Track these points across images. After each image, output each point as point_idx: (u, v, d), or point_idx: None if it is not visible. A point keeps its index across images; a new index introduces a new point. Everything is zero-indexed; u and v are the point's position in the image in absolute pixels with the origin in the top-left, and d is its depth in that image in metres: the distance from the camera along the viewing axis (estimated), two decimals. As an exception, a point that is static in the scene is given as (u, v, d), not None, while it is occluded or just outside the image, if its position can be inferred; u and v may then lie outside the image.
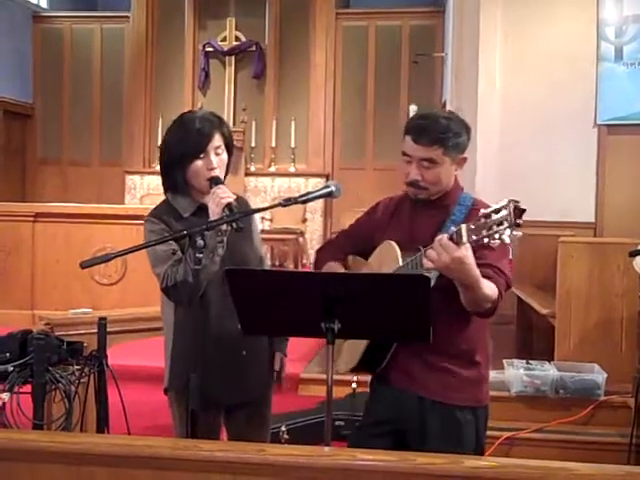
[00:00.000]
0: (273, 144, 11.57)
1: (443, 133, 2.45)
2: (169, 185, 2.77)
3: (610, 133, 8.60)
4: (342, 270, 2.67)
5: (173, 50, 11.86)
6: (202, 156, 2.65)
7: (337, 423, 4.35)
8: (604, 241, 6.60)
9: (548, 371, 4.63)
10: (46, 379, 2.54)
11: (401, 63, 11.50)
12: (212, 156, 2.66)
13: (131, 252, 2.33)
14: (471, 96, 8.58)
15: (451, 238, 2.18)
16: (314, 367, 5.77)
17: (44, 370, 2.54)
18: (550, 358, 5.12)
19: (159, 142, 11.65)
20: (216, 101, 11.58)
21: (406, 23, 11.58)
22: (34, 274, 7.47)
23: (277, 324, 2.35)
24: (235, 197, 2.62)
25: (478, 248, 2.33)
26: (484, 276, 2.32)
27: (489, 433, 4.35)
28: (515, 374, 4.63)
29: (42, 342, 2.58)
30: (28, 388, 2.61)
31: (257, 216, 2.95)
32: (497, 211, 2.08)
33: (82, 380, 2.76)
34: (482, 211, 2.12)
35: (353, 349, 2.58)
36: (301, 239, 10.96)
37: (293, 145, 11.51)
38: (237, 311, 2.28)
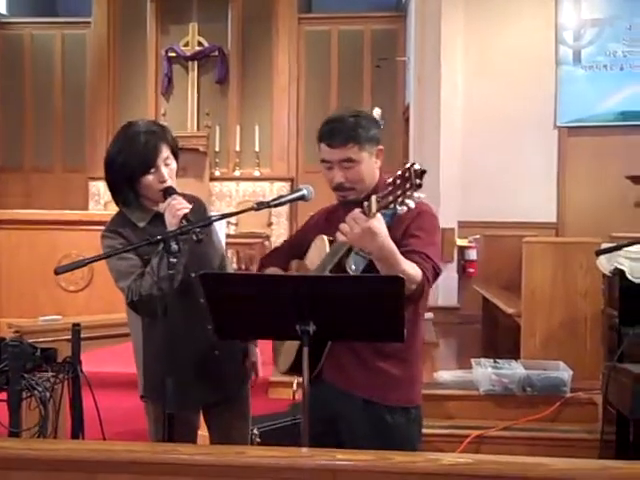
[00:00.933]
0: (237, 148, 11.55)
1: (353, 130, 2.51)
2: (121, 200, 2.75)
3: (570, 135, 8.75)
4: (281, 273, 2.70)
5: (135, 55, 11.79)
6: (152, 171, 2.65)
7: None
8: (566, 241, 6.72)
9: (515, 369, 4.68)
10: (22, 386, 2.53)
11: (364, 67, 11.55)
12: (162, 169, 2.66)
13: (106, 258, 2.34)
14: (434, 100, 8.66)
15: (363, 212, 2.23)
16: (282, 370, 5.75)
17: (19, 377, 2.52)
18: (516, 357, 5.18)
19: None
20: (179, 106, 11.55)
21: (368, 28, 11.64)
22: (0, 281, 7.38)
23: (252, 328, 2.36)
24: (190, 207, 2.60)
25: (404, 238, 2.38)
26: (410, 261, 2.35)
27: (457, 432, 4.46)
28: (483, 373, 4.67)
29: (17, 349, 2.57)
30: (3, 396, 2.59)
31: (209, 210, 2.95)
32: (400, 176, 2.15)
33: (56, 386, 2.75)
34: (388, 180, 2.18)
35: (289, 350, 2.60)
36: (267, 242, 10.96)
37: (257, 149, 11.51)
38: (211, 315, 2.29)
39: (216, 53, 11.67)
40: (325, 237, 2.55)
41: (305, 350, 2.21)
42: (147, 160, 2.63)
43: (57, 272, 2.22)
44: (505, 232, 7.73)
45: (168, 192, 2.63)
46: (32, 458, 1.89)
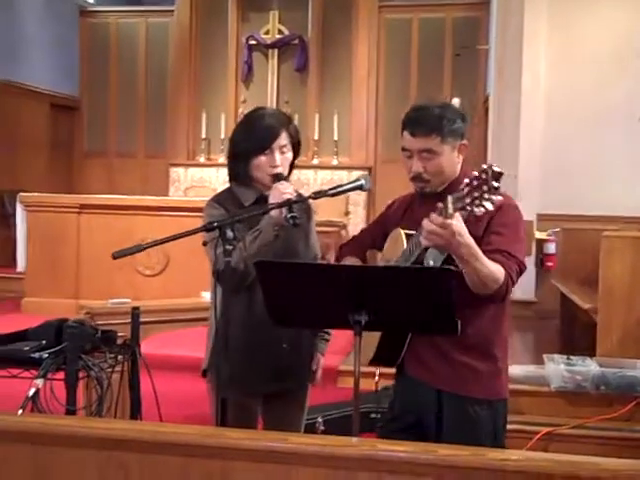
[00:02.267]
0: (316, 137, 11.57)
1: (438, 121, 2.48)
2: (233, 175, 2.85)
3: (656, 127, 8.46)
4: (359, 264, 2.69)
5: (217, 43, 11.92)
6: (267, 153, 2.72)
7: (372, 416, 4.36)
8: (648, 235, 6.50)
9: (589, 367, 4.58)
10: (79, 366, 2.60)
11: (444, 56, 11.41)
12: (276, 154, 2.73)
13: (161, 243, 2.36)
14: (514, 90, 8.50)
15: (440, 213, 2.19)
16: (352, 359, 5.76)
17: (77, 357, 2.59)
18: (592, 354, 5.06)
19: (203, 134, 11.80)
20: (259, 94, 11.63)
21: (450, 15, 11.48)
22: (79, 265, 7.61)
23: (305, 316, 2.36)
24: (297, 194, 2.67)
25: (486, 235, 2.33)
26: (494, 261, 2.32)
27: (527, 428, 4.39)
28: (555, 369, 4.59)
29: (76, 330, 2.64)
30: (61, 375, 2.66)
31: (314, 216, 3.00)
32: (477, 177, 2.10)
33: (116, 368, 2.81)
34: (465, 180, 2.13)
35: (371, 343, 2.60)
36: (343, 231, 10.96)
37: (336, 138, 11.51)
38: (265, 302, 2.31)
39: (296, 41, 11.71)
40: (402, 230, 2.52)
41: (357, 340, 2.21)
42: (263, 141, 2.72)
43: (114, 257, 2.25)
44: (586, 226, 7.53)
45: (278, 177, 2.70)
46: (85, 436, 1.93)
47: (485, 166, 2.10)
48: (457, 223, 2.18)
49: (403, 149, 2.56)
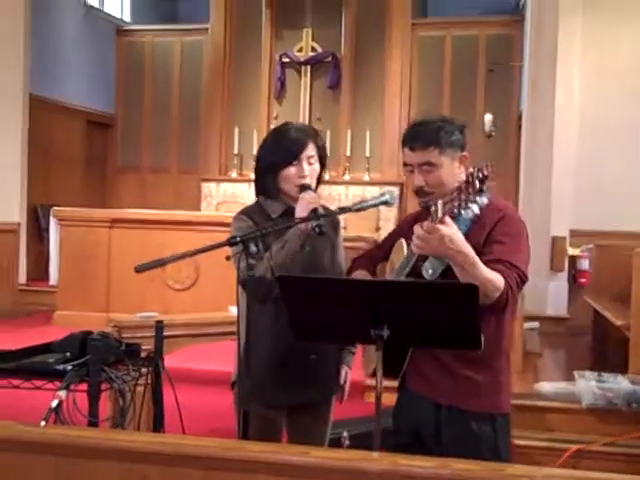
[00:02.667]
0: (348, 153, 11.59)
1: (435, 134, 2.51)
2: (261, 189, 2.89)
3: (691, 142, 8.36)
4: (368, 277, 2.70)
5: (250, 60, 12.00)
6: (295, 163, 2.76)
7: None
8: (682, 252, 6.41)
9: (621, 384, 4.53)
10: (101, 378, 2.62)
11: (477, 73, 11.37)
12: (304, 164, 2.76)
13: (184, 258, 2.37)
14: (548, 106, 8.46)
15: (431, 219, 2.22)
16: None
17: (99, 369, 2.61)
18: (624, 371, 5.00)
19: (235, 150, 11.87)
20: (291, 111, 11.67)
21: (483, 33, 11.45)
22: (110, 278, 7.67)
23: (327, 330, 2.37)
24: (322, 203, 2.70)
25: (487, 244, 2.33)
26: (494, 270, 2.31)
27: (557, 445, 4.34)
28: (586, 386, 4.55)
29: (99, 343, 2.67)
30: (84, 387, 2.69)
31: (341, 232, 3.01)
32: (465, 180, 2.14)
33: (139, 381, 2.83)
34: (455, 184, 2.18)
35: (373, 353, 2.59)
36: (374, 248, 10.95)
37: (368, 154, 11.51)
38: (289, 316, 2.32)
39: (329, 58, 11.74)
40: (404, 241, 2.55)
41: (379, 355, 2.20)
42: (292, 152, 2.76)
43: (137, 270, 2.27)
44: (618, 242, 7.46)
45: (304, 188, 2.73)
46: (107, 448, 1.94)
47: (471, 169, 2.14)
48: (447, 228, 2.20)
49: (404, 164, 2.60)
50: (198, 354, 5.22)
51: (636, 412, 4.40)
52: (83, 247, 7.72)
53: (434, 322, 2.19)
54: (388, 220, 11.16)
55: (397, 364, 2.56)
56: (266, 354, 2.68)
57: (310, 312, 2.29)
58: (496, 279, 2.30)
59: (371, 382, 5.44)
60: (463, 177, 2.57)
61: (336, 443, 4.00)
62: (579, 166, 8.48)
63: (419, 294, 2.18)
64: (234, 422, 2.84)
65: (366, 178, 11.62)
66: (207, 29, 12.24)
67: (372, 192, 11.33)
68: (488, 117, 10.21)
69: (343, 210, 2.52)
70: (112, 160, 12.84)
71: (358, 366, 3.09)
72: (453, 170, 2.54)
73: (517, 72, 10.85)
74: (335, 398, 2.99)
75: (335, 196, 11.30)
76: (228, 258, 2.52)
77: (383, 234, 11.30)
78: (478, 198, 2.11)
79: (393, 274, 2.53)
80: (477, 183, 2.10)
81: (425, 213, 2.62)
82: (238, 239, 2.38)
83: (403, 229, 2.77)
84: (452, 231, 2.21)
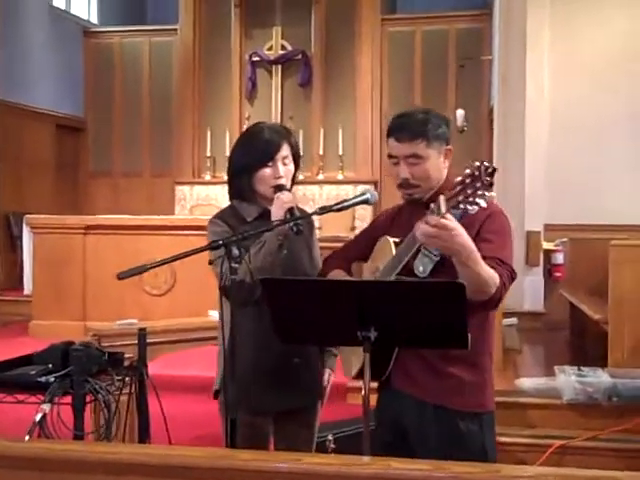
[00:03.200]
0: (321, 152, 11.57)
1: (423, 125, 2.48)
2: (235, 192, 2.85)
3: (664, 133, 8.42)
4: (345, 276, 2.69)
5: (220, 60, 11.95)
6: (270, 164, 2.73)
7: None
8: (658, 244, 6.46)
9: (601, 378, 4.54)
10: (86, 390, 2.57)
11: (448, 67, 11.41)
12: (279, 165, 2.73)
13: (168, 262, 2.34)
14: (519, 99, 8.48)
15: (432, 213, 2.18)
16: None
17: (84, 381, 2.57)
18: (603, 364, 5.02)
19: (208, 152, 11.81)
20: (263, 110, 11.64)
21: (453, 27, 11.49)
22: (86, 286, 7.58)
23: (313, 333, 2.34)
24: (297, 203, 2.69)
25: (476, 242, 2.31)
26: None
27: (539, 442, 4.34)
28: (567, 381, 4.55)
29: (81, 353, 2.62)
30: (68, 399, 2.64)
31: (316, 231, 2.99)
32: (469, 175, 2.09)
33: (123, 391, 2.79)
34: (457, 179, 2.12)
35: (358, 355, 2.56)
36: (350, 247, 10.93)
37: (341, 152, 11.50)
38: (273, 320, 2.29)
39: (299, 56, 11.73)
40: (390, 238, 2.51)
41: (366, 357, 2.18)
42: (266, 153, 2.73)
43: (120, 277, 2.23)
44: (593, 235, 7.50)
45: (279, 188, 2.71)
46: (93, 461, 1.91)
47: (477, 163, 2.09)
48: (453, 222, 2.18)
49: (389, 156, 2.57)
50: (178, 360, 5.17)
51: (617, 406, 4.41)
52: (57, 255, 7.63)
53: (422, 322, 2.17)
54: (364, 219, 11.14)
55: (381, 364, 2.53)
56: (250, 360, 2.64)
57: (295, 314, 2.26)
58: (494, 275, 2.29)
59: (353, 384, 5.45)
60: (445, 172, 2.57)
61: (321, 447, 3.97)
62: (551, 160, 8.52)
63: (408, 294, 2.16)
64: (219, 429, 2.80)
65: (340, 177, 11.61)
66: (176, 30, 12.17)
67: (346, 191, 11.34)
68: (460, 112, 10.22)
69: (324, 210, 2.48)
70: (84, 165, 12.71)
71: (339, 367, 3.06)
72: (439, 163, 2.52)
73: (487, 66, 10.89)
74: (319, 405, 2.96)
75: (310, 196, 11.28)
76: (211, 262, 2.48)
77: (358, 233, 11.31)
78: (487, 193, 2.07)
79: (380, 273, 2.49)
80: (486, 177, 2.05)
81: (407, 208, 2.60)
82: (220, 242, 2.35)
83: (379, 226, 2.73)
84: (457, 225, 2.18)
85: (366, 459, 1.84)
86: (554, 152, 8.52)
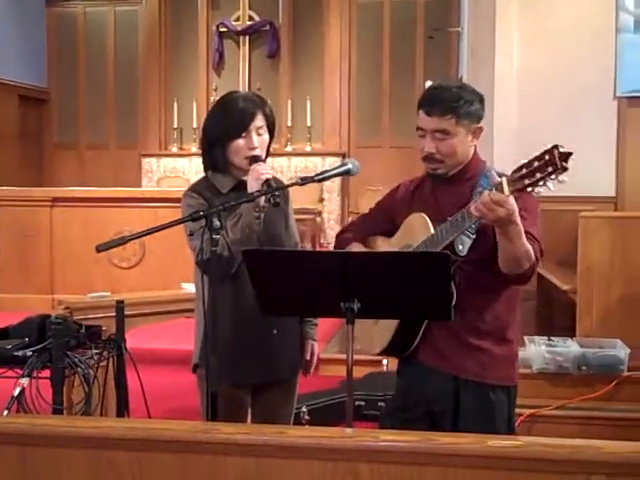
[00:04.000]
0: (289, 124, 11.50)
1: (455, 102, 2.44)
2: (209, 163, 2.80)
3: (630, 105, 8.48)
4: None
5: (187, 31, 11.80)
6: (244, 135, 2.68)
7: (357, 403, 4.34)
8: (625, 215, 6.54)
9: (570, 347, 4.58)
10: (65, 364, 2.54)
11: (416, 39, 11.36)
12: (254, 135, 2.69)
13: (147, 234, 2.30)
14: (488, 71, 8.47)
15: (495, 189, 2.18)
16: (334, 347, 5.76)
17: (63, 355, 2.53)
18: (572, 334, 5.07)
19: (175, 124, 11.68)
20: (231, 81, 11.51)
21: (421, -2, 11.45)
22: (53, 259, 7.52)
23: (296, 304, 2.33)
24: (272, 174, 2.65)
25: None
26: None
27: (510, 410, 4.38)
28: (537, 351, 4.58)
29: (60, 327, 2.57)
30: (47, 373, 2.61)
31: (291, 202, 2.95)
32: (539, 158, 2.07)
33: (101, 364, 2.76)
34: (522, 161, 2.11)
35: (383, 331, 2.54)
36: (318, 219, 10.93)
37: (309, 124, 11.43)
38: (255, 292, 2.27)
39: (267, 27, 11.61)
40: (424, 215, 2.46)
41: (349, 328, 2.17)
42: (240, 123, 2.67)
43: (98, 250, 2.20)
44: (561, 207, 7.55)
45: (255, 159, 2.66)
46: (74, 436, 1.88)
47: (550, 146, 2.07)
48: (512, 201, 2.18)
49: (418, 128, 2.51)
50: (150, 333, 5.15)
51: (586, 375, 4.46)
52: (23, 227, 7.53)
53: (406, 293, 2.17)
54: (332, 191, 11.15)
55: (407, 338, 2.50)
56: (229, 333, 2.62)
57: (278, 286, 2.26)
58: (531, 250, 2.31)
59: (326, 355, 5.47)
60: (472, 150, 2.53)
61: (295, 418, 3.98)
62: (521, 131, 8.54)
63: (392, 265, 2.16)
64: (194, 401, 2.80)
65: (308, 149, 11.56)
66: (141, -1, 11.98)
67: (315, 163, 11.32)
68: (429, 84, 10.19)
69: (305, 180, 2.46)
70: (48, 136, 12.50)
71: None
72: (466, 141, 2.49)
73: (456, 37, 10.86)
74: (299, 378, 2.95)
75: (278, 168, 11.21)
76: (192, 234, 2.45)
77: (327, 205, 11.32)
78: (560, 177, 2.05)
79: (419, 247, 2.43)
80: (562, 162, 2.03)
81: (430, 182, 2.57)
82: (202, 213, 2.31)
83: (398, 200, 2.68)
84: (514, 204, 2.18)
85: (353, 431, 1.84)
86: (523, 124, 8.55)
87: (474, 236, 2.35)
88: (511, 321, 2.53)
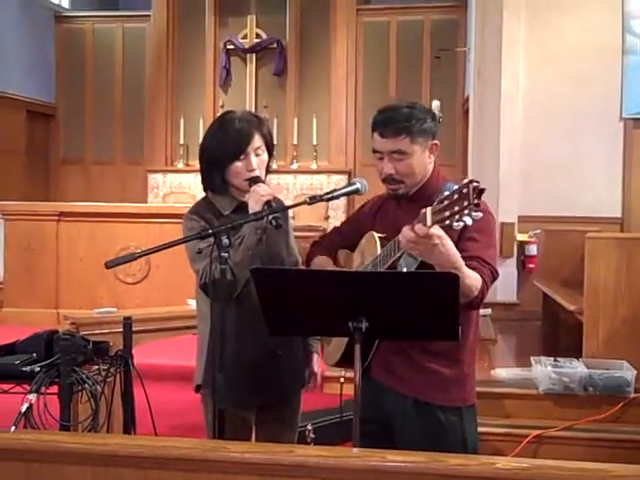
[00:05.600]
0: (295, 141, 11.52)
1: (407, 121, 2.46)
2: (208, 184, 2.78)
3: (636, 127, 8.50)
4: (331, 264, 2.68)
5: (194, 48, 11.84)
6: (242, 157, 2.66)
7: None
8: (632, 236, 6.54)
9: (576, 368, 4.57)
10: (73, 379, 2.53)
11: (423, 59, 11.39)
12: (252, 157, 2.67)
13: (156, 251, 2.31)
14: (494, 92, 8.50)
15: (419, 222, 2.16)
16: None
17: (70, 370, 2.53)
18: (577, 355, 5.06)
19: (181, 140, 11.71)
20: (237, 99, 11.55)
21: (428, 18, 11.47)
22: (59, 273, 7.52)
23: (304, 324, 2.33)
24: (274, 195, 2.63)
25: (460, 240, 2.31)
26: (469, 268, 2.30)
27: (516, 431, 4.37)
28: (543, 371, 4.58)
29: (68, 342, 2.57)
30: (54, 389, 2.60)
31: (290, 220, 2.95)
32: (458, 191, 2.06)
33: (108, 380, 2.75)
34: (444, 194, 2.09)
35: (338, 344, 2.56)
36: (324, 236, 10.91)
37: (315, 142, 11.45)
38: (263, 311, 2.26)
39: (274, 45, 11.65)
40: (375, 234, 2.49)
41: (357, 348, 2.16)
42: (238, 146, 2.66)
43: (107, 266, 2.20)
44: (567, 227, 7.56)
45: (254, 180, 2.64)
46: (81, 452, 1.88)
47: (466, 180, 2.06)
48: (438, 232, 2.16)
49: (374, 151, 2.54)
50: (157, 349, 5.14)
51: (592, 396, 4.45)
52: (30, 242, 7.54)
53: (414, 313, 2.16)
54: (337, 209, 11.15)
55: (362, 354, 2.51)
56: (232, 354, 2.60)
57: (286, 305, 2.25)
58: (476, 279, 2.30)
59: (330, 373, 5.44)
60: (431, 167, 2.55)
61: (300, 436, 3.97)
62: (526, 152, 8.56)
63: (402, 284, 2.15)
64: (199, 419, 2.79)
65: (314, 166, 11.57)
66: (149, 16, 12.01)
67: (320, 180, 11.33)
68: (436, 103, 10.21)
69: (314, 200, 2.46)
70: (55, 151, 12.53)
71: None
72: (424, 158, 2.51)
73: (462, 56, 10.89)
74: (302, 395, 2.94)
75: (283, 185, 11.24)
76: (200, 251, 2.44)
77: (332, 222, 11.30)
78: (474, 213, 2.03)
79: (367, 267, 2.48)
80: (474, 197, 2.02)
81: (393, 202, 2.58)
82: (211, 231, 2.31)
83: (363, 218, 2.72)
84: (443, 236, 2.17)
85: (361, 451, 1.83)
86: (528, 144, 8.57)
87: (420, 258, 2.31)
88: (465, 343, 2.50)
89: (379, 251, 2.42)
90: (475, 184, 2.03)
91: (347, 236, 2.74)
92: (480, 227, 2.38)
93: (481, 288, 2.31)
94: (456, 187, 2.06)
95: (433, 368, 2.47)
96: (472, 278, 2.28)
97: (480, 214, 2.06)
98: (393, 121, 2.47)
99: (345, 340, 2.49)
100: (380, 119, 2.52)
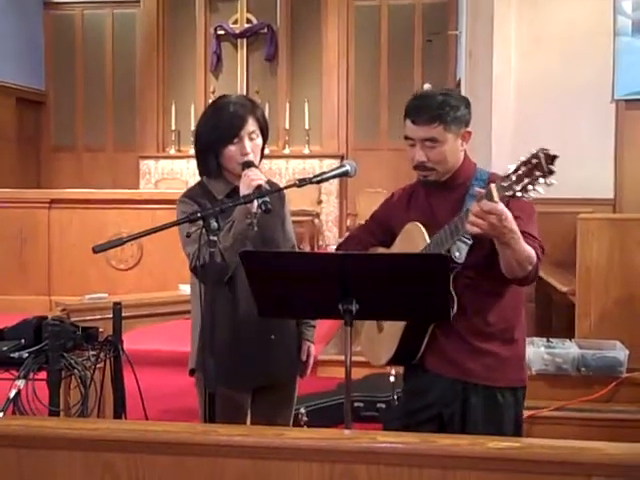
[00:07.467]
0: (287, 126, 11.51)
1: (440, 109, 2.42)
2: (203, 169, 2.78)
3: (628, 108, 8.47)
4: None
5: (185, 34, 11.81)
6: (235, 141, 2.66)
7: (356, 404, 4.34)
8: (624, 217, 6.54)
9: (569, 349, 4.57)
10: (61, 365, 2.53)
11: (414, 42, 11.38)
12: (246, 141, 2.67)
13: (143, 236, 2.29)
14: (485, 74, 8.47)
15: (483, 199, 2.15)
16: (332, 349, 5.75)
17: (59, 356, 2.52)
18: (570, 336, 5.07)
19: (173, 126, 11.68)
20: (229, 84, 11.53)
21: (419, 1, 11.44)
22: (50, 260, 7.51)
23: (294, 306, 2.32)
24: (266, 180, 2.61)
25: None
26: None
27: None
28: (536, 352, 4.58)
29: (57, 328, 2.56)
30: (43, 375, 2.59)
31: (287, 204, 2.94)
32: (526, 163, 2.05)
33: (98, 366, 2.75)
34: (509, 166, 2.08)
35: (388, 341, 2.52)
36: (316, 221, 10.93)
37: (307, 127, 11.45)
38: (253, 293, 2.26)
39: (265, 30, 11.62)
40: (419, 224, 2.45)
41: (347, 330, 2.16)
42: (232, 129, 2.65)
43: (95, 251, 2.19)
44: (560, 209, 7.55)
45: (247, 165, 2.63)
46: (70, 438, 1.87)
47: (535, 150, 2.05)
48: (503, 208, 2.15)
49: (406, 137, 2.49)
50: (148, 334, 5.14)
51: (585, 377, 4.46)
52: (21, 229, 7.52)
53: (406, 294, 2.15)
54: (330, 193, 11.15)
55: (412, 347, 2.49)
56: (226, 338, 2.61)
57: (276, 288, 2.24)
58: (532, 252, 2.29)
59: (324, 357, 5.47)
60: (462, 155, 2.52)
61: (294, 420, 3.98)
62: (518, 134, 8.53)
63: (389, 266, 2.15)
64: (192, 403, 2.79)
65: (306, 151, 11.56)
66: (139, 1, 11.96)
67: (312, 165, 11.33)
68: (427, 87, 10.18)
69: (303, 182, 2.44)
70: (46, 139, 12.50)
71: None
72: (456, 146, 2.47)
73: (454, 40, 10.86)
74: (297, 380, 2.95)
75: (276, 170, 11.23)
76: (189, 235, 2.43)
77: (325, 207, 11.31)
78: (548, 180, 2.03)
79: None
80: (548, 165, 2.01)
81: (423, 189, 2.56)
82: (199, 215, 2.30)
83: (393, 210, 2.67)
84: (507, 211, 2.16)
85: (352, 433, 1.83)
86: (520, 127, 8.53)
87: (470, 241, 2.33)
88: (517, 321, 2.53)
89: (427, 240, 2.39)
90: (546, 152, 2.03)
91: (376, 233, 2.70)
92: (522, 206, 2.37)
93: (535, 263, 2.31)
94: (523, 159, 2.05)
95: (490, 349, 2.46)
96: (529, 251, 2.27)
97: (555, 182, 2.05)
98: (427, 108, 2.42)
99: (397, 337, 2.46)
100: (413, 106, 2.47)
